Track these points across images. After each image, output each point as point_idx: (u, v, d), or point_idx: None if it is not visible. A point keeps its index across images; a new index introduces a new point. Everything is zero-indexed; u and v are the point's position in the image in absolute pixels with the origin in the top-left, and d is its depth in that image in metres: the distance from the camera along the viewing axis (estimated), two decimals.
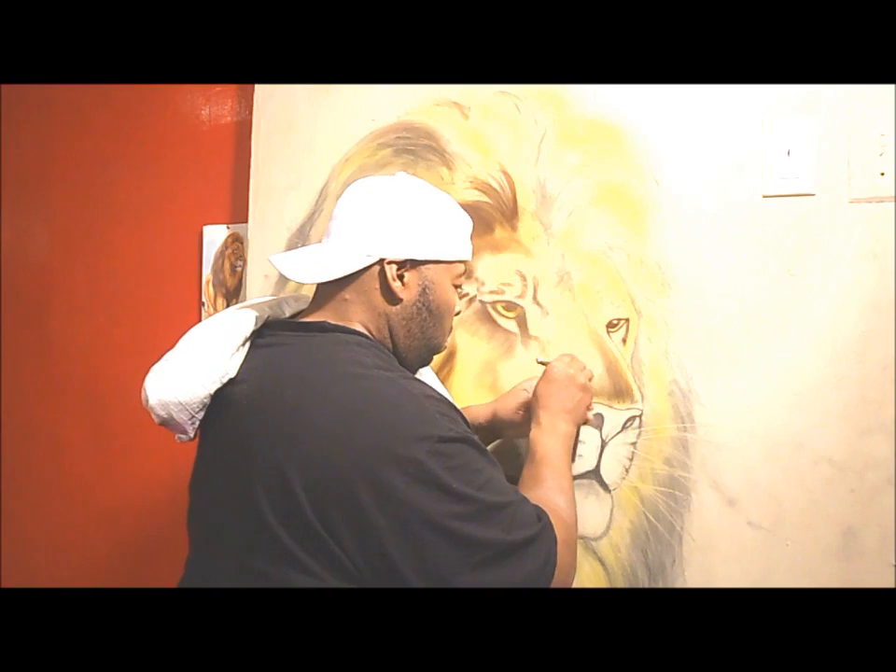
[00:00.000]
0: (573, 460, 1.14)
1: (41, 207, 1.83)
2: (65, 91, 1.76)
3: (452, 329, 1.05)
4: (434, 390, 0.92)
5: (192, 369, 0.91)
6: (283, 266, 0.98)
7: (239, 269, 1.59)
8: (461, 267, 1.02)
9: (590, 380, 1.15)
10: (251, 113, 1.48)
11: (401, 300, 0.96)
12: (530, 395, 1.14)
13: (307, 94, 1.42)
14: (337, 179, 1.39)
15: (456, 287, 1.02)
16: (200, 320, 1.62)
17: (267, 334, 0.97)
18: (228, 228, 1.61)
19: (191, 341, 0.95)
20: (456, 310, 1.04)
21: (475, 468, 0.86)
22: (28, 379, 1.83)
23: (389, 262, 0.95)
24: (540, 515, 0.90)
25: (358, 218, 0.97)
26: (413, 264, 0.96)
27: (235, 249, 1.60)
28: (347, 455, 0.82)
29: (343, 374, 0.89)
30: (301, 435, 0.84)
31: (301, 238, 1.41)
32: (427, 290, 0.98)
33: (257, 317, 0.98)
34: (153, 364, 0.94)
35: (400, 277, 0.96)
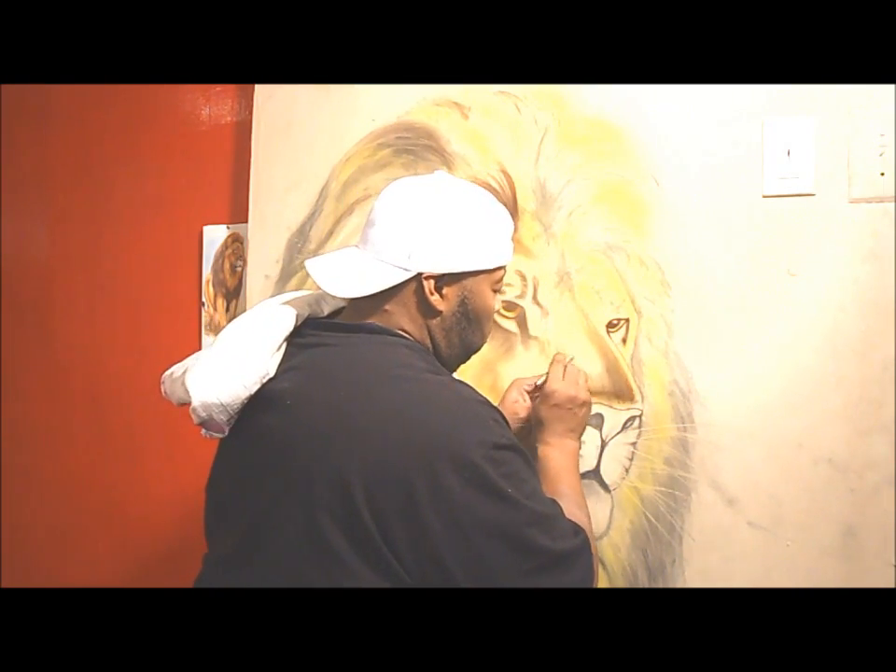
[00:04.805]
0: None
1: (41, 207, 1.83)
2: (65, 91, 1.76)
3: (491, 330, 1.03)
4: (484, 396, 0.91)
5: (233, 369, 0.89)
6: (320, 278, 0.95)
7: (239, 269, 1.59)
8: (501, 272, 1.00)
9: (586, 382, 1.14)
10: (251, 113, 1.48)
11: (440, 312, 0.94)
12: (527, 407, 1.15)
13: (307, 94, 1.42)
14: (337, 179, 1.39)
15: (496, 291, 1.00)
16: (200, 320, 1.62)
17: (308, 333, 0.95)
18: (228, 228, 1.61)
19: (229, 340, 0.93)
20: (496, 308, 1.02)
21: (523, 477, 0.86)
22: (28, 379, 1.83)
23: (427, 277, 0.92)
24: (577, 530, 0.90)
25: (395, 230, 0.93)
26: (453, 277, 0.94)
27: (235, 249, 1.60)
28: (404, 458, 0.81)
29: (394, 377, 0.87)
30: (356, 437, 0.83)
31: (301, 238, 1.41)
32: (465, 300, 0.95)
33: (297, 315, 0.96)
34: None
35: (439, 290, 0.93)
